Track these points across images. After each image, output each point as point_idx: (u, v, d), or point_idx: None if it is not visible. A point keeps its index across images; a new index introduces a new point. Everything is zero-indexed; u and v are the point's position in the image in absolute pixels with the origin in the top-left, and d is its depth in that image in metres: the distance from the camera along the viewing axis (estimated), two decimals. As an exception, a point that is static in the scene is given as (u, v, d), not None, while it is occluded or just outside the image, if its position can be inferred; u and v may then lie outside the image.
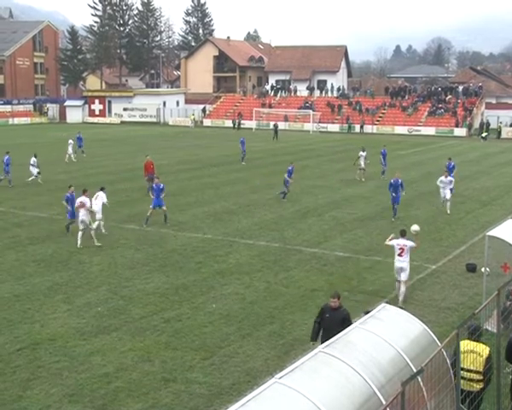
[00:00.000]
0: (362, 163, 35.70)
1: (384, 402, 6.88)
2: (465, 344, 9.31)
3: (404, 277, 15.82)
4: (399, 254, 15.78)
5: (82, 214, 21.51)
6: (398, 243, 15.91)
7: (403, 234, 16.08)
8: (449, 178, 27.40)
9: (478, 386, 9.44)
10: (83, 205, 21.54)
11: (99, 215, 22.47)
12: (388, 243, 16.22)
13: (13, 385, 11.72)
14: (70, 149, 43.99)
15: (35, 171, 34.46)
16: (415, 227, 16.89)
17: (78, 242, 21.17)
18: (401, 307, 12.74)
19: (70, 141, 44.52)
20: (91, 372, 12.20)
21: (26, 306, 15.73)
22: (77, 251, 20.79)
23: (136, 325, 14.52)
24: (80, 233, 21.32)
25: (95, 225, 21.97)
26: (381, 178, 34.99)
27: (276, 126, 64.63)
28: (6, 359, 12.78)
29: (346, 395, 7.04)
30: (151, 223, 24.36)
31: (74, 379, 11.93)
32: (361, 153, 36.08)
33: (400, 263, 15.80)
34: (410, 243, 15.89)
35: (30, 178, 34.18)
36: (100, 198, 22.50)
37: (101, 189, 23.07)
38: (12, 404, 11.07)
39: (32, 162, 34.47)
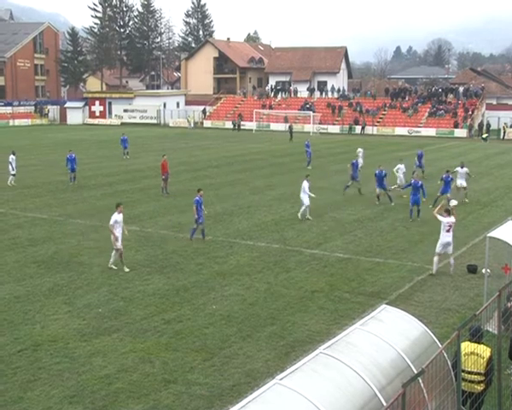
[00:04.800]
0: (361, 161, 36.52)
1: (385, 404, 6.88)
2: (466, 346, 9.30)
3: (451, 250, 18.54)
4: (447, 231, 18.15)
5: (118, 232, 18.99)
6: (447, 220, 18.17)
7: (449, 214, 18.36)
8: (464, 169, 29.99)
9: (479, 388, 9.42)
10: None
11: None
12: (436, 214, 18.74)
13: (13, 386, 11.72)
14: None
15: (13, 169, 33.98)
16: (454, 202, 20.58)
17: (111, 260, 19.04)
18: (435, 273, 18.04)
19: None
20: (92, 374, 12.20)
21: (26, 307, 15.73)
22: (77, 252, 20.79)
23: (136, 327, 14.52)
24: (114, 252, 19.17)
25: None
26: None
27: (290, 127, 64.83)
28: (7, 360, 12.78)
29: (347, 397, 7.04)
30: (151, 224, 24.39)
31: (75, 380, 11.93)
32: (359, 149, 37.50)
33: (448, 238, 18.23)
34: (453, 220, 18.34)
35: (11, 180, 33.96)
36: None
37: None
38: (13, 405, 11.07)
39: (10, 160, 34.03)
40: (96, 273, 18.58)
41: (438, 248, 18.53)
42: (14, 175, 34.04)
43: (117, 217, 19.01)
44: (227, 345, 13.57)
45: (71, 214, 26.79)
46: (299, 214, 26.03)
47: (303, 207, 26.00)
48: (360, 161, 36.16)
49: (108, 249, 21.19)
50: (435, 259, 18.61)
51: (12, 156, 34.05)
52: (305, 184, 26.05)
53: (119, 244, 18.93)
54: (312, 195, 26.26)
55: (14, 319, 14.93)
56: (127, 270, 18.71)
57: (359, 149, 37.54)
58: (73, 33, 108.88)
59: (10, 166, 33.89)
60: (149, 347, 13.43)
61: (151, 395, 11.47)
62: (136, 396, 11.40)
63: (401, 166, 34.93)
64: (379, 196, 29.12)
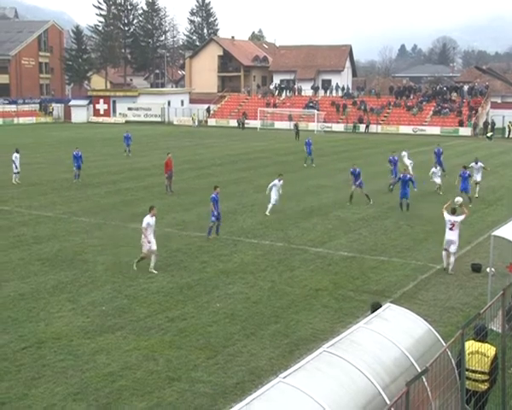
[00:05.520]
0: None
1: (388, 402, 6.87)
2: (470, 345, 9.28)
3: (453, 249, 18.43)
4: (450, 229, 18.37)
5: (150, 235, 18.55)
6: (449, 218, 18.42)
7: (453, 212, 18.66)
8: (479, 164, 30.89)
9: (483, 386, 9.41)
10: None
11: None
12: (443, 210, 18.90)
13: (18, 384, 11.75)
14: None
15: (16, 167, 33.99)
16: (458, 199, 20.52)
17: (151, 265, 18.61)
18: (445, 269, 18.48)
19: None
20: (96, 371, 12.22)
21: (30, 304, 15.76)
22: (81, 250, 20.83)
23: (140, 324, 14.54)
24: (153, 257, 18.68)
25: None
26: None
27: (296, 126, 64.79)
28: (11, 357, 12.81)
29: (351, 395, 7.03)
30: (155, 223, 24.38)
31: (79, 378, 11.95)
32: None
33: (450, 236, 18.39)
34: (459, 219, 18.47)
35: (15, 178, 34.04)
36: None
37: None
38: (17, 402, 11.10)
39: (13, 158, 34.01)
40: (100, 271, 18.61)
41: (444, 244, 18.89)
42: (17, 173, 34.07)
43: (150, 220, 18.58)
44: (231, 343, 13.58)
45: (75, 212, 26.84)
46: (267, 211, 26.50)
47: (271, 204, 26.57)
48: (408, 160, 36.35)
49: (112, 247, 21.26)
50: (443, 253, 18.94)
51: (15, 154, 34.00)
52: (277, 183, 26.85)
53: (148, 247, 18.42)
54: (280, 191, 27.00)
55: (19, 317, 14.96)
56: (155, 272, 18.31)
57: (404, 153, 37.52)
58: (78, 31, 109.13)
59: (14, 165, 33.94)
60: (153, 344, 13.45)
61: (155, 392, 11.48)
62: (140, 394, 11.41)
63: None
64: (352, 194, 28.85)
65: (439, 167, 32.40)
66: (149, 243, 18.46)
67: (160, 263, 19.37)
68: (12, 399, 11.21)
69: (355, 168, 29.12)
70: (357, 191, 28.91)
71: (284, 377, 6.96)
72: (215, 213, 22.09)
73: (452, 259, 18.56)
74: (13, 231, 23.43)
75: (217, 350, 13.20)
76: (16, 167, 33.99)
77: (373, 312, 10.78)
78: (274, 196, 26.69)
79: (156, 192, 31.60)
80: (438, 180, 31.34)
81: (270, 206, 26.69)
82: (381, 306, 11.01)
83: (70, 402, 11.12)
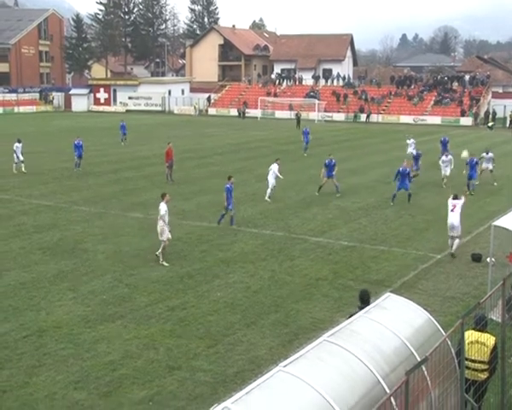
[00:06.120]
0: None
1: (388, 391, 6.89)
2: (470, 334, 9.30)
3: (456, 232, 19.02)
4: (452, 210, 18.94)
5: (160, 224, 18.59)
6: (451, 202, 19.13)
7: (454, 197, 19.29)
8: (490, 154, 31.36)
9: (483, 376, 9.44)
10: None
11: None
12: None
13: (19, 372, 11.80)
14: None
15: (20, 157, 33.88)
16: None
17: (158, 252, 18.48)
18: (452, 254, 19.00)
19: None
20: (96, 360, 12.26)
21: (31, 293, 15.80)
22: (82, 239, 20.85)
23: (141, 313, 14.57)
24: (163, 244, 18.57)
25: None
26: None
27: (298, 115, 64.58)
28: (12, 346, 12.86)
29: (351, 384, 7.05)
30: (156, 212, 24.37)
31: (80, 366, 12.00)
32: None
33: (452, 218, 18.92)
34: (460, 202, 19.08)
35: (20, 167, 33.95)
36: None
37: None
38: (18, 390, 11.15)
39: (14, 148, 33.83)
40: (100, 260, 18.63)
41: (448, 230, 19.35)
42: (17, 163, 33.91)
43: (165, 206, 18.63)
44: (231, 332, 13.61)
45: (76, 201, 26.84)
46: (267, 197, 27.00)
47: (269, 189, 27.12)
48: (409, 149, 36.86)
49: (113, 236, 21.27)
50: (449, 240, 19.40)
51: (17, 144, 33.86)
52: (275, 167, 27.30)
53: (166, 235, 18.41)
54: (281, 176, 27.42)
55: (20, 305, 15.00)
56: (166, 264, 18.08)
57: (410, 141, 38.05)
58: (78, 20, 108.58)
59: (15, 155, 33.83)
60: (153, 333, 13.49)
61: (155, 381, 11.52)
62: (141, 382, 11.46)
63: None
64: (322, 186, 28.48)
65: (450, 156, 30.80)
66: (164, 232, 18.37)
67: (160, 252, 19.39)
68: (13, 387, 11.26)
69: (331, 159, 28.38)
70: (328, 182, 28.31)
71: (284, 366, 6.98)
72: (230, 203, 22.09)
73: (457, 241, 19.16)
74: (13, 221, 23.44)
75: (217, 339, 13.24)
76: (17, 157, 33.88)
77: (361, 301, 10.84)
78: (271, 180, 27.10)
79: (157, 181, 31.58)
80: (446, 171, 30.29)
81: (268, 191, 27.09)
82: (368, 294, 11.04)
83: (71, 390, 11.16)
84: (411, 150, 36.49)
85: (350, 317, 9.48)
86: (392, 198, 26.61)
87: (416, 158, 32.89)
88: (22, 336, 13.27)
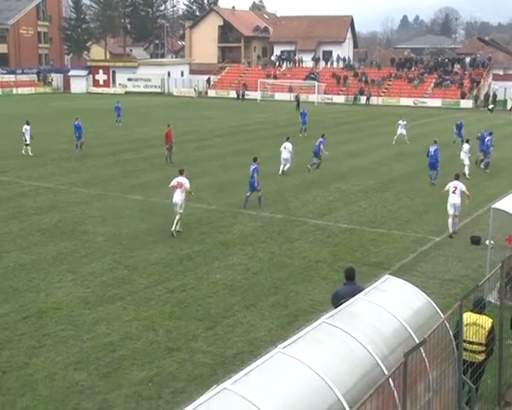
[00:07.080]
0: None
1: (387, 373, 6.92)
2: (468, 316, 9.33)
3: (457, 211, 19.57)
4: (453, 192, 19.40)
5: (177, 195, 19.36)
6: (453, 184, 19.55)
7: (456, 177, 19.83)
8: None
9: (480, 357, 9.49)
10: (181, 185, 19.41)
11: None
12: (445, 189, 19.88)
13: (19, 353, 11.85)
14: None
15: (26, 139, 33.76)
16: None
17: (174, 226, 19.25)
18: (453, 233, 19.51)
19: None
20: (96, 341, 12.31)
21: (31, 275, 15.84)
22: (81, 221, 20.85)
23: (140, 295, 14.62)
24: (178, 217, 19.31)
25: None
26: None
27: (297, 97, 64.21)
28: (12, 326, 12.91)
29: (349, 366, 7.08)
30: (156, 194, 24.41)
31: (79, 347, 12.05)
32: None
33: (454, 199, 19.37)
34: (461, 185, 19.57)
35: (27, 150, 33.83)
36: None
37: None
38: (18, 371, 11.21)
39: (23, 130, 33.70)
40: (99, 242, 18.65)
41: (448, 210, 19.57)
42: (27, 145, 33.82)
43: (181, 179, 19.71)
44: (230, 314, 13.66)
45: (75, 183, 26.82)
46: (281, 172, 28.48)
47: (288, 165, 28.69)
48: (400, 131, 38.35)
49: (112, 218, 21.28)
50: (449, 220, 19.61)
51: (26, 126, 33.76)
52: (289, 146, 28.75)
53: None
54: (292, 154, 28.85)
55: (19, 287, 15.04)
56: (181, 229, 19.38)
57: (403, 122, 39.17)
58: (77, 0, 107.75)
59: (24, 137, 33.65)
60: (153, 315, 13.53)
61: (155, 362, 11.58)
62: (140, 363, 11.51)
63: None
64: (311, 166, 29.89)
65: (468, 146, 29.45)
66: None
67: (159, 234, 19.42)
68: (13, 367, 11.32)
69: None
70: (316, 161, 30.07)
71: (283, 348, 7.00)
72: (257, 184, 22.61)
73: (456, 220, 19.79)
74: (13, 202, 23.44)
75: (216, 321, 13.29)
76: (26, 139, 33.78)
77: (346, 277, 10.90)
78: (284, 155, 28.72)
79: (157, 163, 31.53)
80: (466, 161, 28.94)
81: (281, 167, 28.55)
82: (353, 271, 11.06)
83: (71, 371, 11.22)
84: (401, 130, 38.40)
85: (335, 293, 10.68)
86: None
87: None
88: (22, 318, 13.32)
